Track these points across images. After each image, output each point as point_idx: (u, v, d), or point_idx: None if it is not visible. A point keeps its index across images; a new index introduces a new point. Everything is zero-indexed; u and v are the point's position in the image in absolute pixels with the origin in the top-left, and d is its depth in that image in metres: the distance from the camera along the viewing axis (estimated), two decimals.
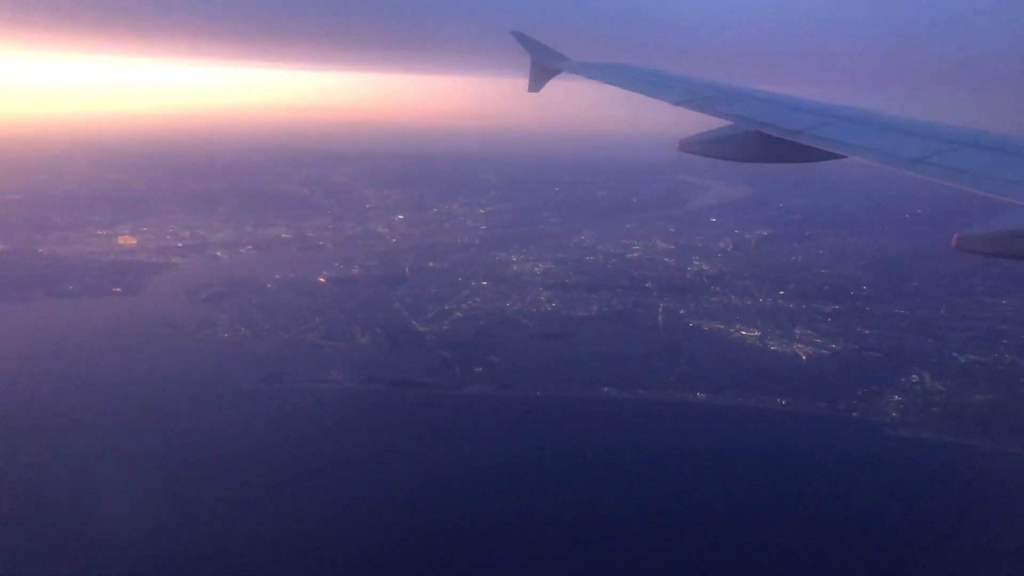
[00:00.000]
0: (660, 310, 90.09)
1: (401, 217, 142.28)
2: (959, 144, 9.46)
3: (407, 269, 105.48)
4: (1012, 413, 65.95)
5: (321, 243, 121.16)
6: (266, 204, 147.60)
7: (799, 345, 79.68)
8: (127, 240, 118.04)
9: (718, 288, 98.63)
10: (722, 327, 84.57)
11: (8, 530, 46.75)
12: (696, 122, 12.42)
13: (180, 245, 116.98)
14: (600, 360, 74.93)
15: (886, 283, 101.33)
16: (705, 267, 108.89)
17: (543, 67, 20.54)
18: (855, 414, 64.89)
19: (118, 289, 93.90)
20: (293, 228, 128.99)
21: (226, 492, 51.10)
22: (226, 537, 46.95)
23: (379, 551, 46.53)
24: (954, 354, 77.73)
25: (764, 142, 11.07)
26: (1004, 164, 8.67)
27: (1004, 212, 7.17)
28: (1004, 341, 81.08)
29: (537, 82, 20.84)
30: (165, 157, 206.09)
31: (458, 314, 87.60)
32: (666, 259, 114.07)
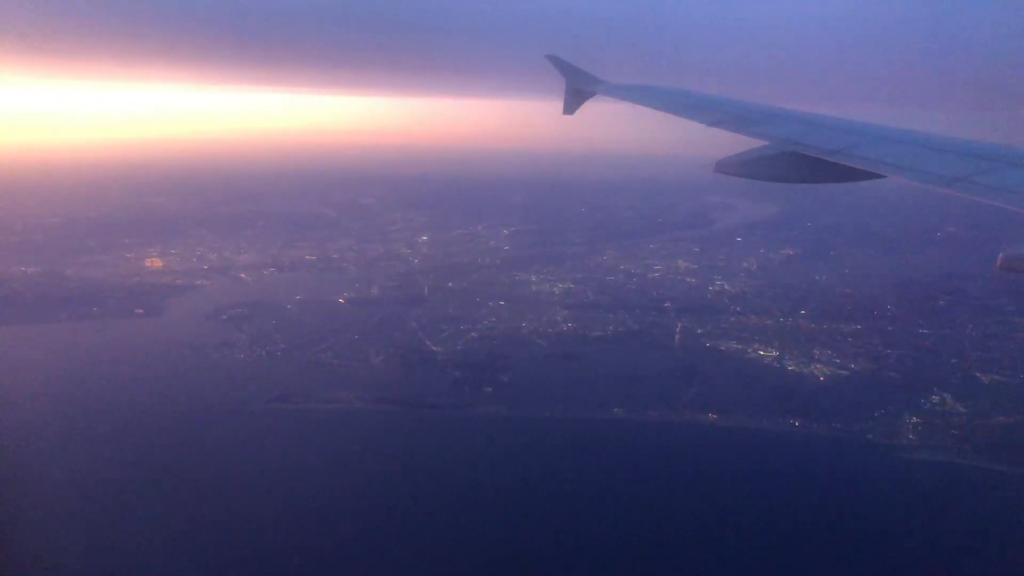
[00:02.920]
0: (677, 330, 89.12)
1: (425, 238, 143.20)
2: (1000, 162, 9.40)
3: (426, 289, 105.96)
4: None
5: (344, 264, 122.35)
6: (292, 227, 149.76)
7: (817, 365, 78.15)
8: (154, 262, 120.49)
9: (738, 308, 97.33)
10: (739, 347, 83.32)
11: (22, 536, 47.70)
12: (730, 143, 12.39)
13: (205, 267, 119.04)
14: (612, 381, 74.22)
15: (912, 302, 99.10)
16: (727, 287, 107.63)
17: (578, 90, 20.71)
18: (870, 436, 63.27)
19: (141, 311, 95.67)
20: (317, 250, 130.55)
21: (223, 509, 51.41)
22: (226, 554, 47.21)
23: (386, 572, 46.40)
24: (978, 375, 75.59)
25: (801, 162, 11.03)
26: None
27: None
28: None
29: (572, 105, 20.98)
30: (196, 182, 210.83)
31: (473, 334, 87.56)
32: (688, 279, 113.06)
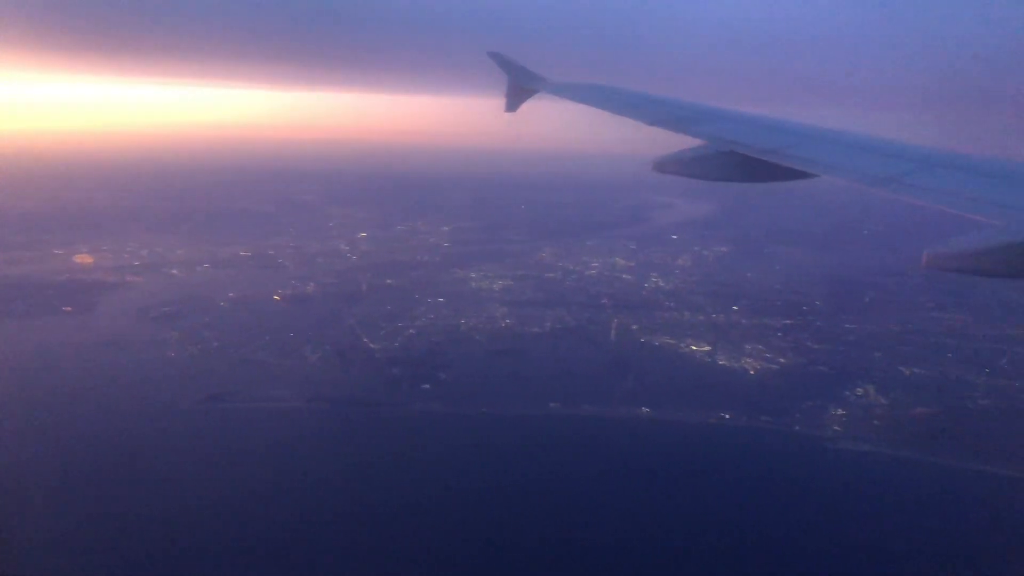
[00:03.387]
0: (613, 326, 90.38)
1: (364, 235, 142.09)
2: (929, 164, 9.64)
3: (364, 286, 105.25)
4: (951, 426, 66.56)
5: (280, 261, 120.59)
6: (228, 223, 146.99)
7: (748, 360, 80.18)
8: (84, 259, 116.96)
9: (672, 304, 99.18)
10: (673, 342, 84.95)
11: None
12: (671, 142, 12.49)
13: (137, 264, 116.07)
14: (549, 376, 74.94)
15: (839, 299, 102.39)
16: (662, 284, 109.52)
17: (520, 87, 20.56)
18: (797, 428, 65.26)
19: (69, 308, 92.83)
20: (253, 246, 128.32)
21: (149, 510, 50.35)
22: (154, 558, 46.30)
23: (319, 572, 46.10)
24: (900, 368, 78.54)
25: (738, 161, 11.14)
26: (971, 183, 8.88)
27: (974, 230, 7.32)
28: (950, 355, 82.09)
29: (514, 102, 20.82)
30: (129, 176, 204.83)
31: (411, 331, 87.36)
32: (624, 276, 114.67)
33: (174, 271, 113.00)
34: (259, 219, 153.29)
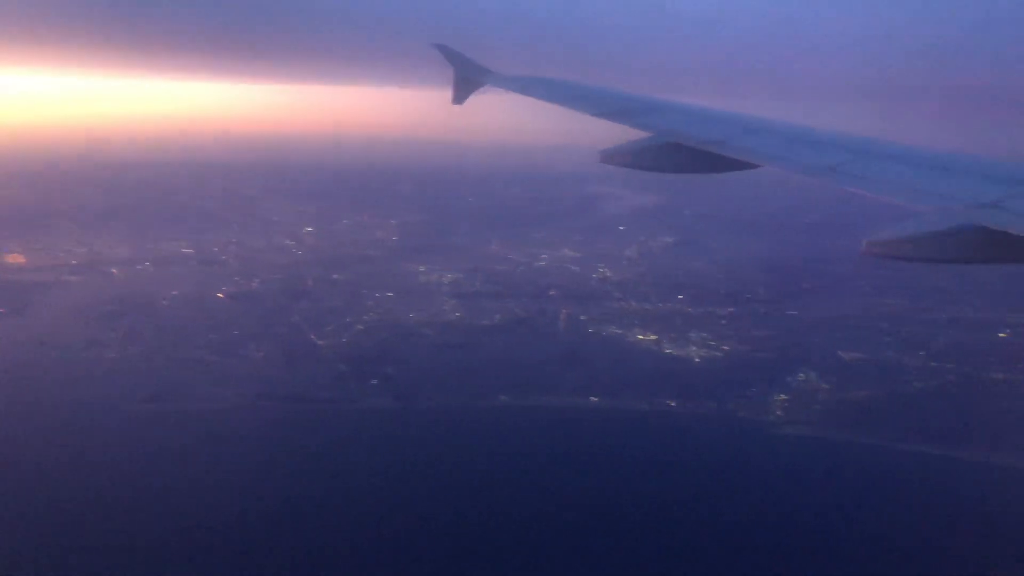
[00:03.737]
0: (562, 317, 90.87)
1: (310, 229, 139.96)
2: (867, 154, 9.85)
3: (310, 282, 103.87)
4: (890, 408, 68.66)
5: (224, 257, 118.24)
6: (169, 219, 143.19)
7: (693, 348, 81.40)
8: (15, 258, 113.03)
9: (619, 294, 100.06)
10: (620, 332, 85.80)
11: None
12: (618, 134, 12.47)
13: (74, 263, 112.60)
14: (498, 368, 75.07)
15: (781, 286, 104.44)
16: (609, 274, 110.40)
17: (467, 79, 20.38)
18: (741, 413, 66.60)
19: (1, 309, 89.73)
20: (195, 243, 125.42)
21: (87, 514, 49.15)
22: (97, 563, 45.20)
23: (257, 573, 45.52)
24: (840, 353, 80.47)
25: (682, 153, 11.19)
26: (907, 173, 9.15)
27: (910, 218, 7.48)
28: (887, 339, 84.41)
29: (461, 95, 20.61)
30: (62, 171, 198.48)
31: (359, 327, 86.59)
32: (572, 267, 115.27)
33: (113, 269, 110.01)
34: (202, 214, 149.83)
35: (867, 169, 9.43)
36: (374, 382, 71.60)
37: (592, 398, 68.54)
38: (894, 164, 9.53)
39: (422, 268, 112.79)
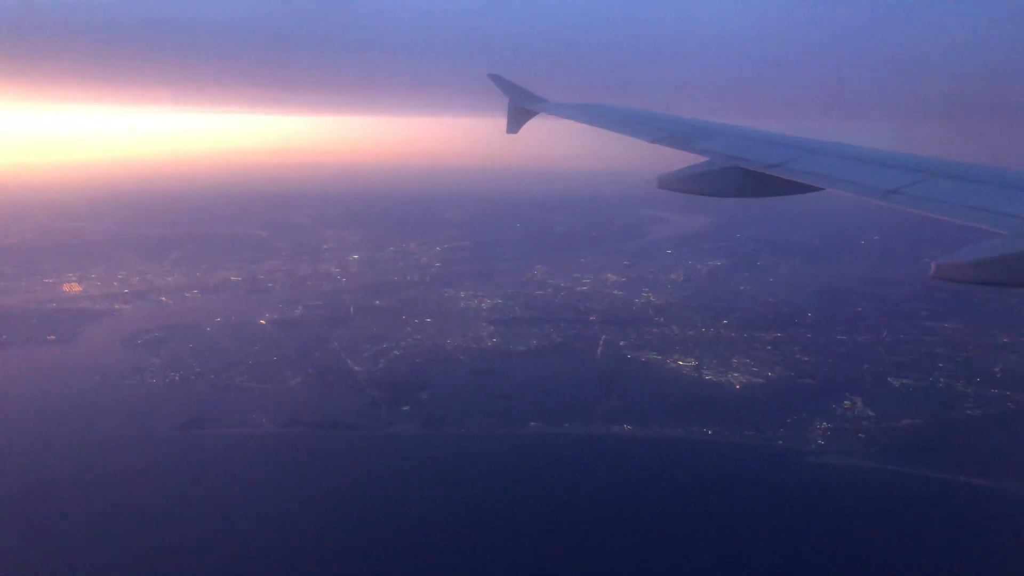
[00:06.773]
0: (600, 342, 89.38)
1: (356, 257, 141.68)
2: (932, 175, 9.59)
3: (351, 308, 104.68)
4: (940, 437, 65.24)
5: (270, 285, 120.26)
6: (220, 248, 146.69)
7: (735, 374, 79.03)
8: (72, 287, 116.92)
9: (661, 319, 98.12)
10: (659, 358, 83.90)
11: None
12: (672, 158, 12.38)
13: (126, 291, 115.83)
14: (531, 395, 73.99)
15: (831, 310, 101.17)
16: (653, 298, 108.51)
17: (521, 108, 20.53)
18: (781, 442, 64.07)
19: (52, 337, 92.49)
20: (244, 271, 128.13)
21: (126, 541, 49.60)
22: None
23: None
24: (889, 379, 77.23)
25: (742, 177, 11.12)
26: (974, 193, 8.80)
27: (978, 240, 7.18)
28: (940, 365, 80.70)
29: (515, 123, 20.77)
30: (123, 204, 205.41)
31: (396, 352, 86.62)
32: (615, 292, 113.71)
33: (163, 298, 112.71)
34: (252, 243, 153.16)
35: (933, 190, 9.05)
36: (406, 408, 71.28)
37: (625, 426, 66.87)
38: (959, 184, 9.18)
39: (463, 294, 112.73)
